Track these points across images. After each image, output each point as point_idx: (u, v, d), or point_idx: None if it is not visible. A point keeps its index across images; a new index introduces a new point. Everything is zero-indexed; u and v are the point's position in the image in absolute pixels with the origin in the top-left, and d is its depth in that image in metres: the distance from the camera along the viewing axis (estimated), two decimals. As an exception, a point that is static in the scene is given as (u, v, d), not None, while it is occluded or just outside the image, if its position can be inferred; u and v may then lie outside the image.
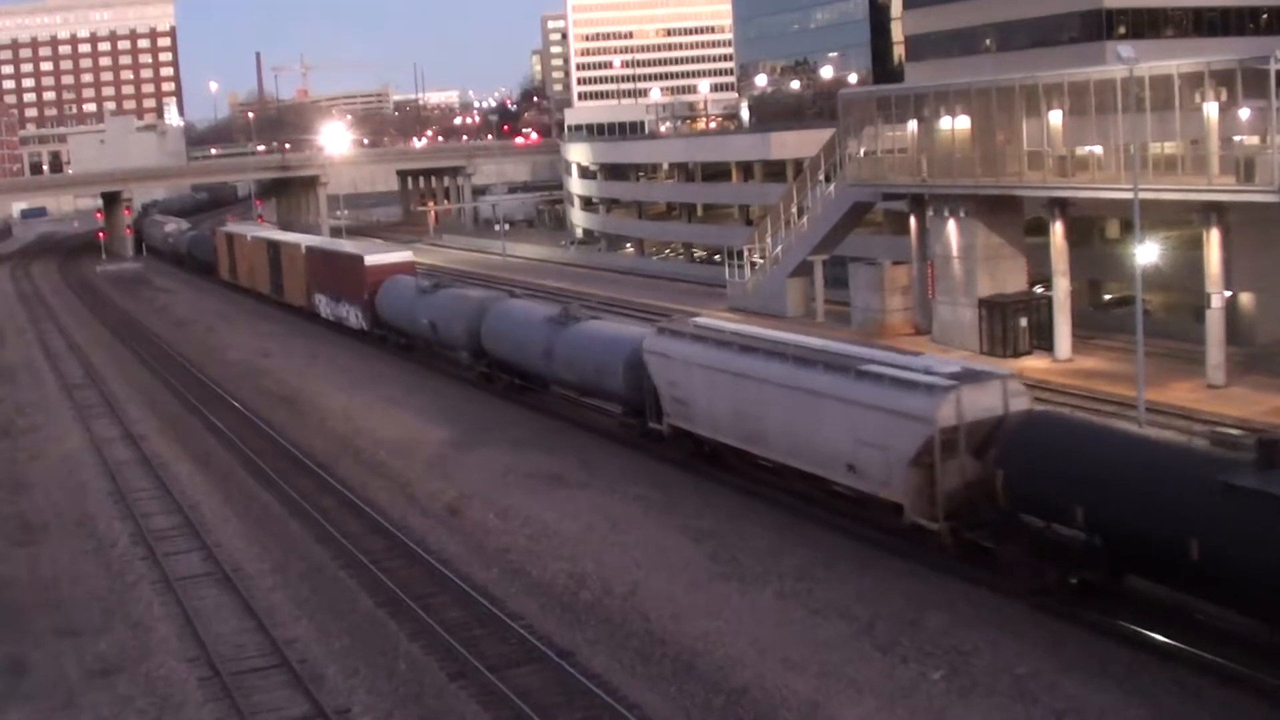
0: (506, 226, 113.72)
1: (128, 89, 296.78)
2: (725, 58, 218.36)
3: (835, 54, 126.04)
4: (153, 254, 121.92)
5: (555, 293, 71.12)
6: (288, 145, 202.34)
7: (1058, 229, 47.84)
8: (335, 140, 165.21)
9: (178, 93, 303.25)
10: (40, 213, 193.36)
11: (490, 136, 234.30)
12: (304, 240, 76.94)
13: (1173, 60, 43.56)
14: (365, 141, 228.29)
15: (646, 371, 36.33)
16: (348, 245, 74.84)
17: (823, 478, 30.20)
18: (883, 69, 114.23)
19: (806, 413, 29.96)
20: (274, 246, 77.89)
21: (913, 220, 55.97)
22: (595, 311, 46.16)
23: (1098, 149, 46.05)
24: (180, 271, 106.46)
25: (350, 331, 63.67)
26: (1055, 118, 47.29)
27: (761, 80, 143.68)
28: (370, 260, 60.90)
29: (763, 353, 32.06)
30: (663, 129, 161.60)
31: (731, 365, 32.90)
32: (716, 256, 79.21)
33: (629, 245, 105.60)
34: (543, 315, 44.12)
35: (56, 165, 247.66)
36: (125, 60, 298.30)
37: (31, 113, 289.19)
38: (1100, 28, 76.77)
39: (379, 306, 58.40)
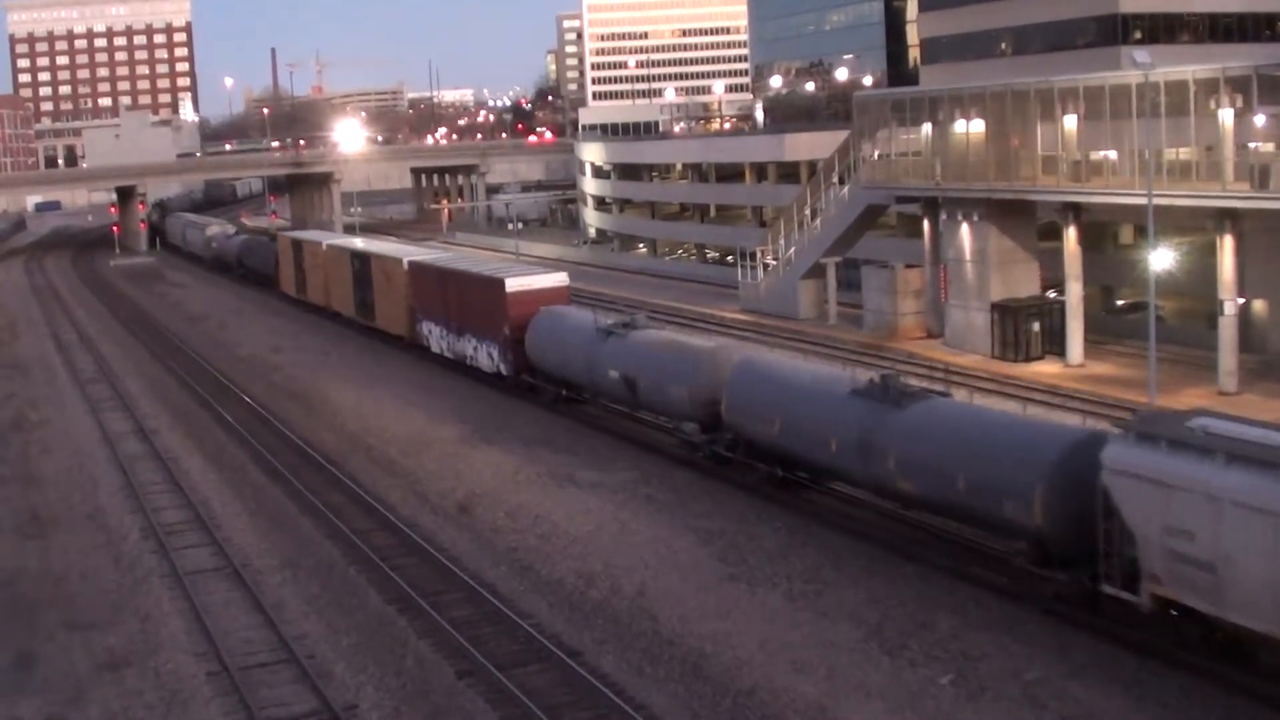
0: (520, 225, 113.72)
1: (143, 84, 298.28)
2: (740, 59, 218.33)
3: (850, 56, 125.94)
4: (193, 260, 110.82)
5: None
6: (302, 142, 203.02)
7: (1071, 234, 47.75)
8: (350, 137, 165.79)
9: (193, 88, 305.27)
10: (54, 206, 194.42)
11: (504, 135, 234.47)
12: (406, 252, 62.39)
13: (1188, 66, 43.47)
14: (379, 139, 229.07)
15: (1110, 503, 22.91)
16: (477, 263, 59.38)
17: None
18: (898, 72, 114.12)
19: None
20: (361, 259, 63.22)
21: (926, 223, 55.90)
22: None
23: (1112, 154, 45.95)
24: (199, 269, 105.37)
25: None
26: (1070, 122, 47.21)
27: (776, 81, 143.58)
28: (514, 285, 46.40)
29: None
30: (677, 129, 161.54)
31: None
32: (729, 258, 79.11)
33: (642, 245, 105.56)
34: (845, 386, 30.83)
35: (71, 159, 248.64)
36: (141, 55, 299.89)
37: (47, 107, 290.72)
38: (1116, 32, 76.55)
39: (531, 348, 44.72)
